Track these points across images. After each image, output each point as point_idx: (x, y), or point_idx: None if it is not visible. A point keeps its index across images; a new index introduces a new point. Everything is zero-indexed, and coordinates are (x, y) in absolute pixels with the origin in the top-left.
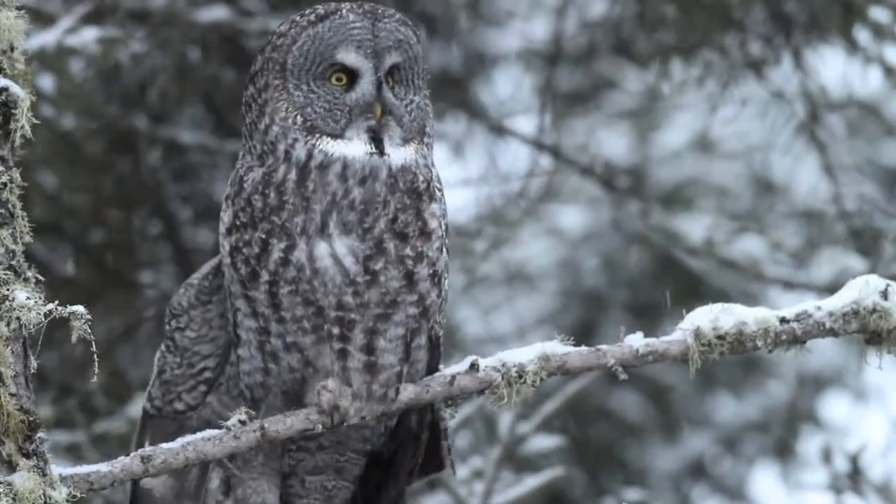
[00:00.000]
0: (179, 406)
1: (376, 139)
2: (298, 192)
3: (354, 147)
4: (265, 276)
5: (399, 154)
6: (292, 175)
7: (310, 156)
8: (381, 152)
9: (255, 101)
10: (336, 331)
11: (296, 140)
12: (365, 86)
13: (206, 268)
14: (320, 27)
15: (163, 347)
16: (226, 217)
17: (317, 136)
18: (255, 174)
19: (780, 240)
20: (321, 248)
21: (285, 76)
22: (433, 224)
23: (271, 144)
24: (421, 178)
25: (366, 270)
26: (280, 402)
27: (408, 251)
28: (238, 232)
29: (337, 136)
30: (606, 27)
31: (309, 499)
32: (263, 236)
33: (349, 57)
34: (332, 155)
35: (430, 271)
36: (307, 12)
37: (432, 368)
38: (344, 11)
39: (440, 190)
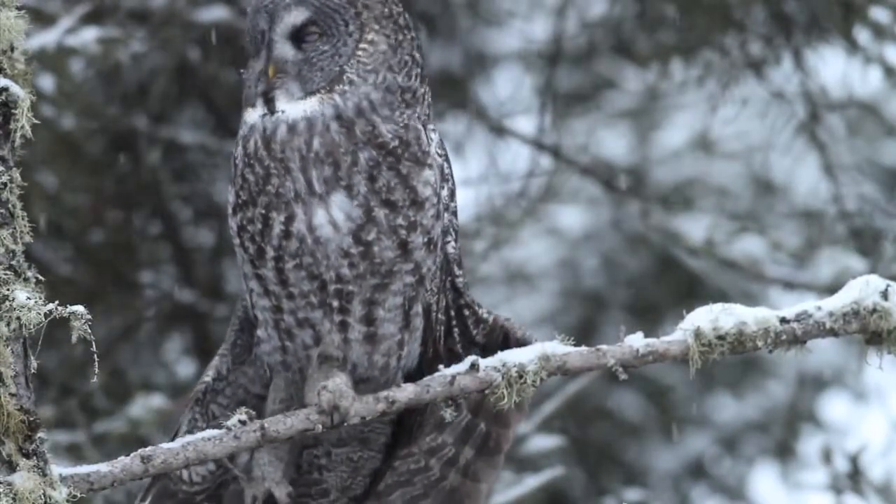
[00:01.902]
0: (196, 478)
1: (269, 99)
2: (271, 156)
3: (256, 112)
4: (270, 252)
5: (298, 108)
6: (260, 143)
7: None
8: (272, 111)
9: None
10: (335, 303)
11: (240, 116)
12: (262, 51)
13: (231, 335)
14: (251, 5)
15: (197, 410)
16: (230, 198)
17: (245, 108)
18: (239, 150)
19: (780, 240)
20: (319, 217)
21: (246, 59)
22: (426, 192)
23: None
24: (388, 134)
25: (358, 241)
26: (300, 379)
27: (400, 221)
28: (241, 211)
29: (252, 104)
30: (606, 27)
31: (336, 471)
32: (263, 211)
33: (261, 23)
34: (248, 124)
35: (425, 239)
36: None
37: (425, 339)
38: None
39: (442, 156)
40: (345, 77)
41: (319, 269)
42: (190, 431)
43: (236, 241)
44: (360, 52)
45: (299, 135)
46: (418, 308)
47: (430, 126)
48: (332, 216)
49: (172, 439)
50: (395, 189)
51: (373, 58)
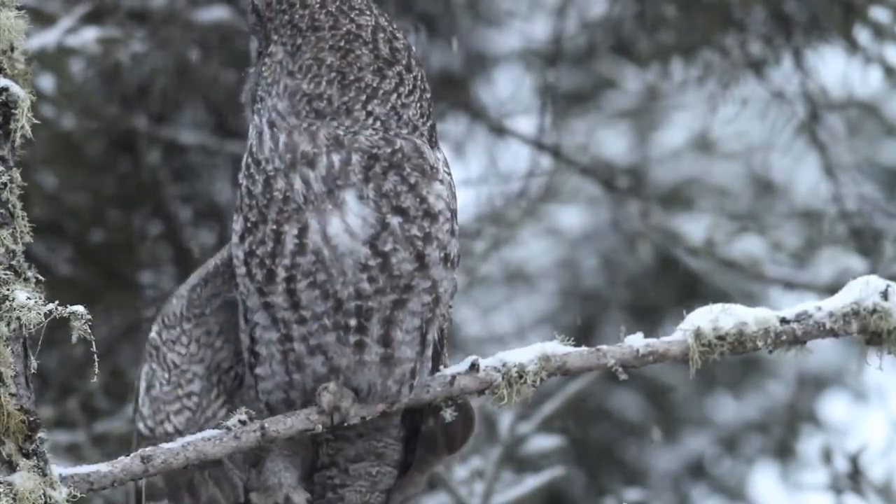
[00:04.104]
0: (169, 428)
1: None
2: (264, 149)
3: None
4: (282, 274)
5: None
6: (256, 140)
7: None
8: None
9: None
10: (353, 322)
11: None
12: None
13: (194, 278)
14: None
15: (152, 363)
16: (237, 226)
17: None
18: (241, 171)
19: (780, 240)
20: (335, 225)
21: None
22: (438, 205)
23: None
24: (366, 141)
25: (375, 251)
26: None
27: (415, 231)
28: (251, 234)
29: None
30: (606, 27)
31: (354, 486)
32: (275, 226)
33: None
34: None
35: (442, 255)
36: None
37: (433, 371)
38: None
39: (449, 174)
40: (258, 96)
41: (335, 287)
42: (150, 384)
43: (242, 270)
44: (263, 69)
45: (266, 143)
46: (434, 333)
47: (437, 148)
48: (348, 223)
49: (136, 399)
50: (405, 196)
51: (271, 69)
